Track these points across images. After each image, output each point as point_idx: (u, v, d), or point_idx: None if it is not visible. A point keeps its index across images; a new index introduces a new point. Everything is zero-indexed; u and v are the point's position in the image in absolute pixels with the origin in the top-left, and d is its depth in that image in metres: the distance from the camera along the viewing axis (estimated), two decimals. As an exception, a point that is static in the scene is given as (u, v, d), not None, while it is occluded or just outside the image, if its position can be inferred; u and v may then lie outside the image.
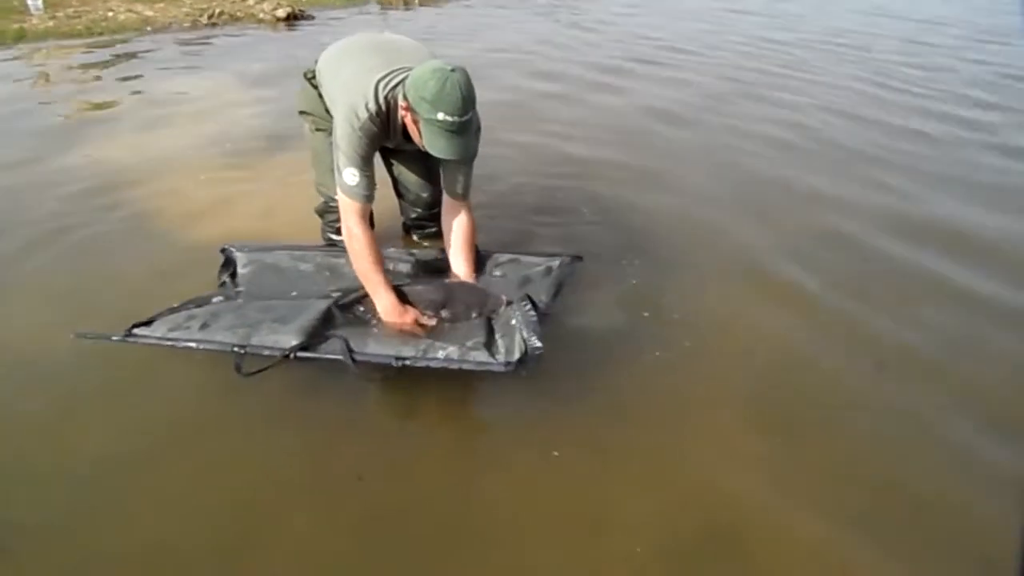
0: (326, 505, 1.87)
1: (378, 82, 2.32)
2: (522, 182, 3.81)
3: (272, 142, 4.22)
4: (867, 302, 2.76)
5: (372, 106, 2.30)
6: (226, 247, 2.75)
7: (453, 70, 2.16)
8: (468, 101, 2.17)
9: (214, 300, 2.45)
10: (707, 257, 3.10)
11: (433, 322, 2.35)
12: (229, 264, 2.71)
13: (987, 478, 1.95)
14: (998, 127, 4.84)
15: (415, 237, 3.07)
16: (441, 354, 2.16)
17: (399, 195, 3.00)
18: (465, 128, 2.21)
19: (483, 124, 2.40)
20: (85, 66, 6.15)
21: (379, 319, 2.36)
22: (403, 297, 2.39)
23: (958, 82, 5.97)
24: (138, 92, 5.29)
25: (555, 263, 2.72)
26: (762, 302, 2.78)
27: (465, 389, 2.33)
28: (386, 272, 2.40)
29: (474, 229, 2.61)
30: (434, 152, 2.27)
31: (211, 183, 3.70)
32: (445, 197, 2.61)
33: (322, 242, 2.96)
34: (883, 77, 6.08)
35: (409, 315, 2.33)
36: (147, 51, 6.59)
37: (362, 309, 2.43)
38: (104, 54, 6.53)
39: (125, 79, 5.69)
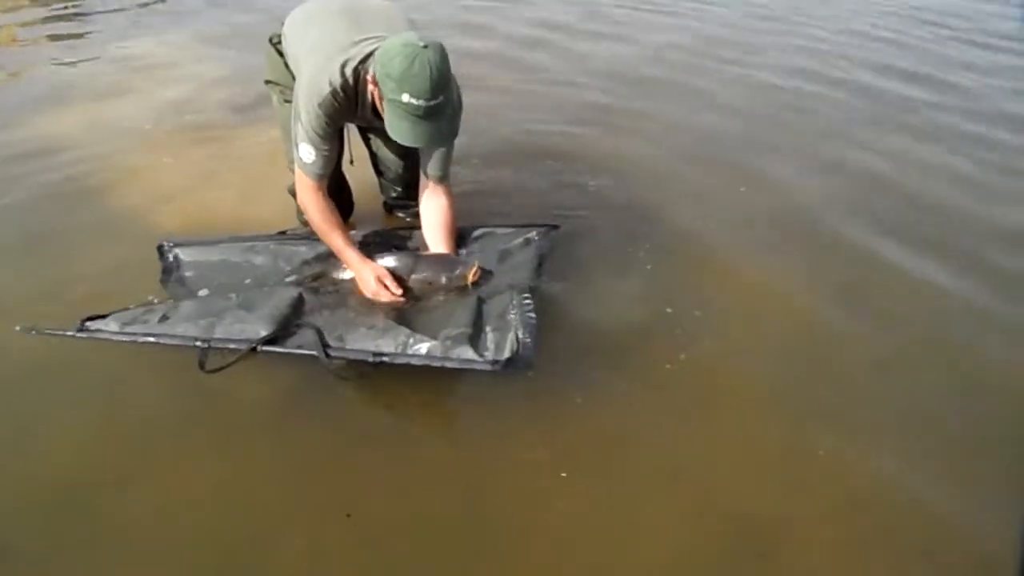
0: (317, 534, 1.71)
1: (345, 53, 2.12)
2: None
3: (240, 113, 3.94)
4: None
5: (336, 80, 2.11)
6: (163, 244, 2.50)
7: (425, 46, 1.94)
8: (439, 83, 1.96)
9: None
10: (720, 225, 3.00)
11: (399, 292, 2.26)
12: (169, 264, 2.47)
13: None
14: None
15: (401, 215, 2.87)
16: (423, 348, 2.02)
17: (378, 173, 2.81)
18: (433, 113, 2.01)
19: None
20: (29, 23, 5.75)
21: (354, 299, 2.25)
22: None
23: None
24: (94, 57, 4.93)
25: (532, 234, 2.59)
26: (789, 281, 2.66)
27: (459, 385, 2.17)
28: (348, 236, 2.35)
29: (454, 213, 2.45)
30: (395, 137, 2.08)
31: (176, 160, 3.42)
32: (422, 178, 2.43)
33: (296, 225, 2.73)
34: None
35: (377, 270, 2.28)
36: (100, 11, 6.17)
37: (333, 289, 2.32)
38: (53, 11, 6.08)
39: (76, 38, 5.33)
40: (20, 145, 3.52)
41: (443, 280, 2.30)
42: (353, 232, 2.46)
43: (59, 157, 3.39)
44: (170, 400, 2.04)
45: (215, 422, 1.99)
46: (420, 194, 2.45)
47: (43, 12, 6.06)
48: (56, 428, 1.95)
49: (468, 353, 1.99)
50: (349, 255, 2.30)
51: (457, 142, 2.36)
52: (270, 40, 2.47)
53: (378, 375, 2.06)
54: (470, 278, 2.29)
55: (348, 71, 2.11)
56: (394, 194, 2.83)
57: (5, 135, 3.65)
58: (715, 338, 2.34)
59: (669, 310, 2.45)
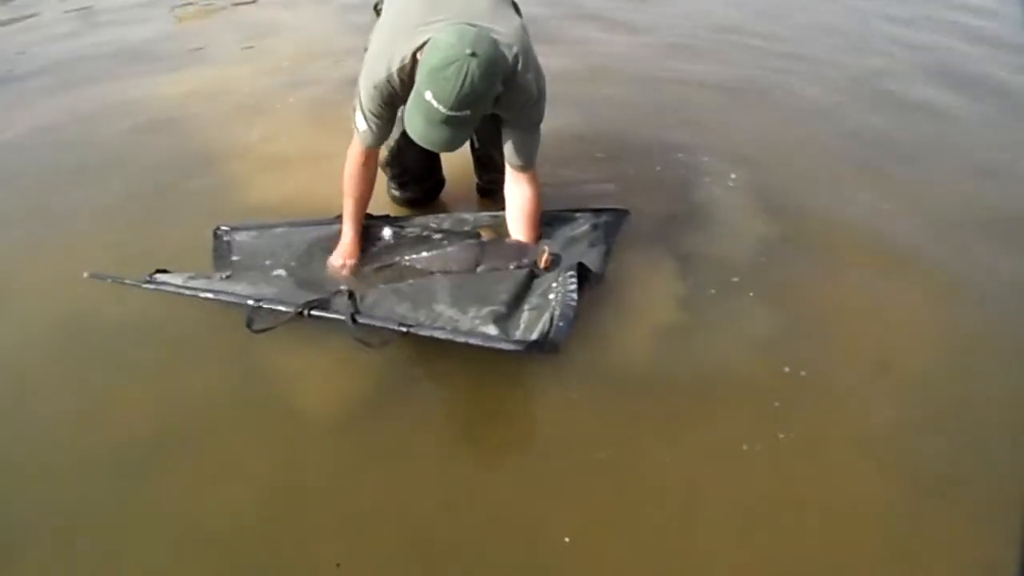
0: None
1: (408, 37, 2.03)
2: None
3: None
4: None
5: (395, 65, 2.04)
6: (219, 228, 2.51)
7: (473, 54, 1.81)
8: (468, 98, 1.84)
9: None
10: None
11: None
12: (222, 250, 2.48)
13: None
14: None
15: (489, 200, 2.75)
16: (453, 315, 1.99)
17: (472, 150, 2.69)
18: (452, 123, 1.90)
19: None
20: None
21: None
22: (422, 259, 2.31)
23: None
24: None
25: (600, 220, 2.48)
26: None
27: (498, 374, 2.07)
28: (362, 213, 2.38)
29: (538, 202, 2.34)
30: (408, 128, 1.99)
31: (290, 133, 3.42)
32: (507, 166, 2.33)
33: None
34: None
35: (350, 257, 2.32)
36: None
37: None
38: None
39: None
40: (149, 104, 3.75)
41: (511, 268, 2.23)
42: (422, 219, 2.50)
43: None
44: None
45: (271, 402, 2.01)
46: (506, 183, 2.36)
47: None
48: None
49: (493, 330, 1.92)
50: (345, 227, 2.34)
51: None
52: (374, 7, 2.42)
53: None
54: (541, 264, 2.21)
55: (409, 57, 2.02)
56: (486, 177, 2.73)
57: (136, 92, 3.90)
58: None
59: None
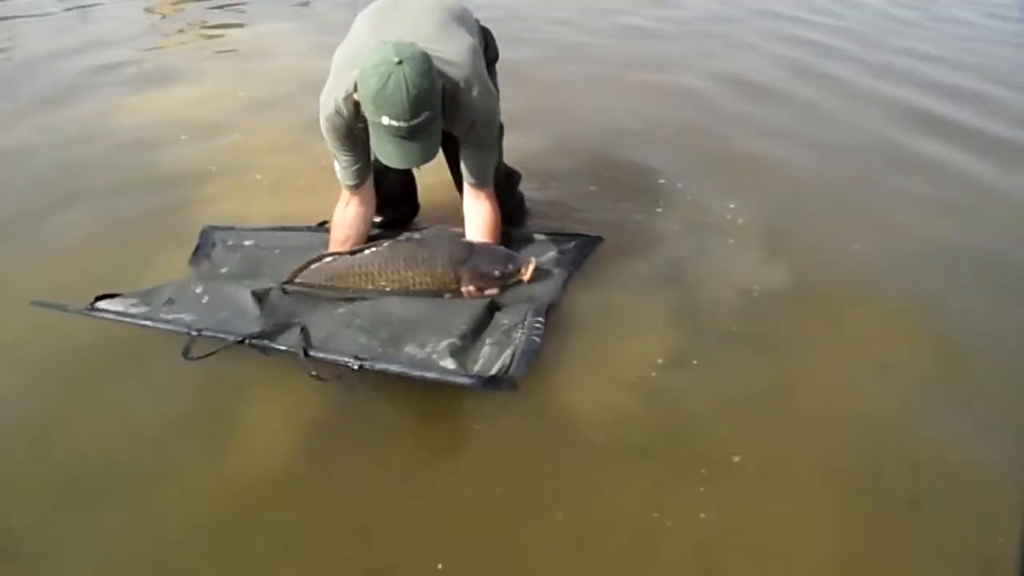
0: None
1: (355, 66, 1.95)
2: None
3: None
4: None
5: (340, 95, 2.02)
6: (207, 227, 2.53)
7: (400, 62, 1.79)
8: (418, 101, 1.82)
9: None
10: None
11: None
12: (205, 246, 2.47)
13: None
14: None
15: None
16: (409, 350, 1.90)
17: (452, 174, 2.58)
18: (418, 132, 1.88)
19: None
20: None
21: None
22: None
23: None
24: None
25: (572, 244, 2.41)
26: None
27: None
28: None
29: (496, 219, 2.28)
30: (384, 161, 1.99)
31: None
32: (464, 185, 2.27)
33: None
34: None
35: None
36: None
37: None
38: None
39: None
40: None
41: (496, 273, 2.17)
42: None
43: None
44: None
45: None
46: (464, 201, 2.31)
47: None
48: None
49: (451, 364, 1.84)
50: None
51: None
52: None
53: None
54: (527, 275, 2.17)
55: (350, 87, 1.98)
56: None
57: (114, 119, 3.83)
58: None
59: (695, 361, 2.07)
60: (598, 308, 2.23)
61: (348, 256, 2.22)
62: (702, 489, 1.69)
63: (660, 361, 2.05)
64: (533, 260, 2.20)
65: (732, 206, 2.82)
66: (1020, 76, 4.48)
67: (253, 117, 3.70)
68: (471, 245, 2.23)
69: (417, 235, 2.32)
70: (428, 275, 2.15)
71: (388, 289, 2.16)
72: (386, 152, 1.95)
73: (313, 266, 2.21)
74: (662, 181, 3.02)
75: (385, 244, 2.21)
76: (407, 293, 2.15)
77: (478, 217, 2.28)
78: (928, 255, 2.61)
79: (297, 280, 2.20)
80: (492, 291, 2.17)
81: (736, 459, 1.75)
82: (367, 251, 2.21)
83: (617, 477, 1.74)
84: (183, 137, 3.47)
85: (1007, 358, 2.13)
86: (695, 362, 2.05)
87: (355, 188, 2.25)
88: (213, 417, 1.91)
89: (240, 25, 5.42)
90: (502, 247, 2.25)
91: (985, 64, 4.69)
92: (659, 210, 2.81)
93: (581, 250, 2.39)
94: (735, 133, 3.55)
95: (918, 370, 2.07)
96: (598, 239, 2.46)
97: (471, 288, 2.15)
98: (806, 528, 1.62)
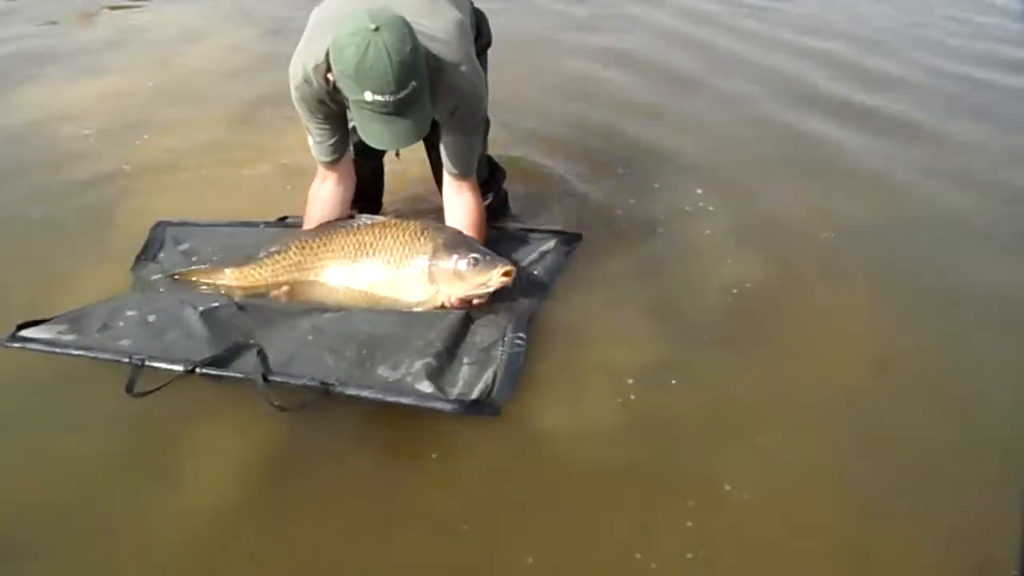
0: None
1: (327, 34, 1.82)
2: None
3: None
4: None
5: (310, 64, 1.86)
6: (161, 222, 2.37)
7: (377, 28, 1.62)
8: (402, 71, 1.65)
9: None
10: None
11: None
12: (154, 244, 2.30)
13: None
14: None
15: None
16: (381, 372, 1.75)
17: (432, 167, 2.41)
18: (405, 106, 1.71)
19: None
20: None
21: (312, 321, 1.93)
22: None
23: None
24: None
25: (551, 243, 2.28)
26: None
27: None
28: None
29: (480, 212, 2.13)
30: (371, 143, 1.84)
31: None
32: (445, 174, 2.11)
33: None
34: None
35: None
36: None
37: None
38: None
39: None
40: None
41: (468, 270, 1.92)
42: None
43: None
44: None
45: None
46: (444, 192, 2.16)
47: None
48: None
49: (428, 388, 1.71)
50: None
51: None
52: None
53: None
54: (495, 281, 1.91)
55: (319, 55, 1.83)
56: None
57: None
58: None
59: (677, 375, 1.93)
60: (573, 317, 2.10)
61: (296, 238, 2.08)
62: (689, 524, 1.56)
63: (640, 376, 1.91)
64: (510, 265, 1.94)
65: (699, 191, 2.75)
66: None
67: (168, 111, 3.41)
68: (443, 234, 2.01)
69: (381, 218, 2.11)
70: (386, 266, 1.98)
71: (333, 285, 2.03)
72: (373, 133, 1.79)
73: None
74: (623, 170, 2.92)
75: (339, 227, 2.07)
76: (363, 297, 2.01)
77: (460, 211, 2.11)
78: (910, 235, 2.58)
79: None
80: (463, 298, 1.96)
81: (727, 487, 1.63)
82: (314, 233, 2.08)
83: (595, 511, 1.60)
84: (85, 132, 3.18)
85: (1008, 357, 2.07)
86: (677, 376, 1.92)
87: (331, 164, 2.09)
88: (155, 456, 1.73)
89: (146, 7, 4.94)
90: (479, 248, 1.99)
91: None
92: (632, 201, 2.69)
93: (561, 250, 2.26)
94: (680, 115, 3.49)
95: (914, 368, 2.01)
96: (577, 236, 2.35)
97: (441, 291, 1.96)
98: (803, 552, 1.54)
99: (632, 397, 1.85)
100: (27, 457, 1.73)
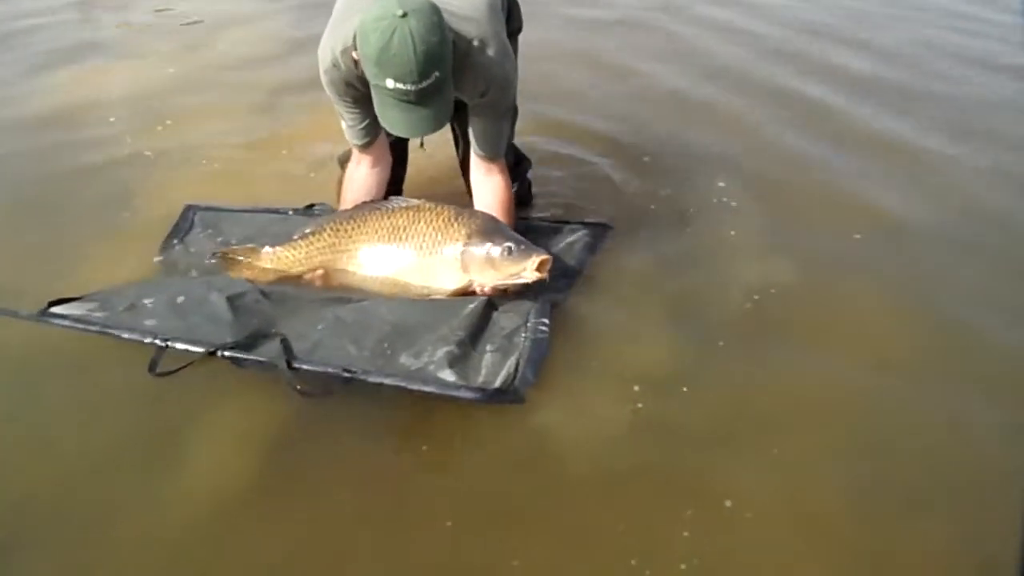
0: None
1: (353, 16, 1.82)
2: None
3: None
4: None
5: (339, 47, 1.86)
6: (190, 206, 2.40)
7: (404, 15, 1.59)
8: (428, 60, 1.63)
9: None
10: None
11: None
12: (184, 227, 2.34)
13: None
14: None
15: None
16: (403, 360, 1.75)
17: (457, 152, 2.40)
18: (427, 95, 1.69)
19: None
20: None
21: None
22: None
23: None
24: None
25: (579, 234, 2.27)
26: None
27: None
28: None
29: (510, 195, 2.12)
30: (388, 128, 1.84)
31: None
32: (472, 156, 2.10)
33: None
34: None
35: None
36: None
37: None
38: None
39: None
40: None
41: (501, 259, 1.89)
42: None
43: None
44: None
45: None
46: (471, 172, 2.15)
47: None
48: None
49: (450, 377, 1.71)
50: None
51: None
52: None
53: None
54: (529, 272, 1.87)
55: (348, 38, 1.82)
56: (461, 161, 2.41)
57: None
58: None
59: (690, 380, 1.88)
60: (586, 314, 2.05)
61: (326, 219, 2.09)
62: (686, 534, 1.51)
63: (650, 380, 1.86)
64: (548, 256, 1.90)
65: (725, 186, 2.71)
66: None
67: (191, 98, 3.43)
68: (477, 220, 1.98)
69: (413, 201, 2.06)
70: (418, 251, 1.97)
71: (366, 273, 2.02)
72: (391, 119, 1.78)
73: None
74: (647, 159, 2.89)
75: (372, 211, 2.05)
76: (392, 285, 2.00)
77: (489, 194, 2.10)
78: (934, 241, 2.48)
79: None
80: (495, 285, 1.93)
81: (728, 504, 1.57)
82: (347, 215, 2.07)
83: (593, 515, 1.57)
84: (112, 119, 3.21)
85: (1007, 356, 2.02)
86: (688, 382, 1.87)
87: (365, 147, 2.09)
88: (159, 443, 1.72)
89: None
90: (516, 238, 1.95)
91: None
92: (660, 193, 2.66)
93: (590, 241, 2.25)
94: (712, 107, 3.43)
95: (925, 368, 1.97)
96: (607, 227, 2.33)
97: (474, 278, 1.93)
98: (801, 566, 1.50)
99: (640, 403, 1.80)
100: (34, 442, 1.74)
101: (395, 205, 2.04)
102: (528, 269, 1.87)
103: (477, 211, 2.06)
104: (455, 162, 2.40)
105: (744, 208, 2.61)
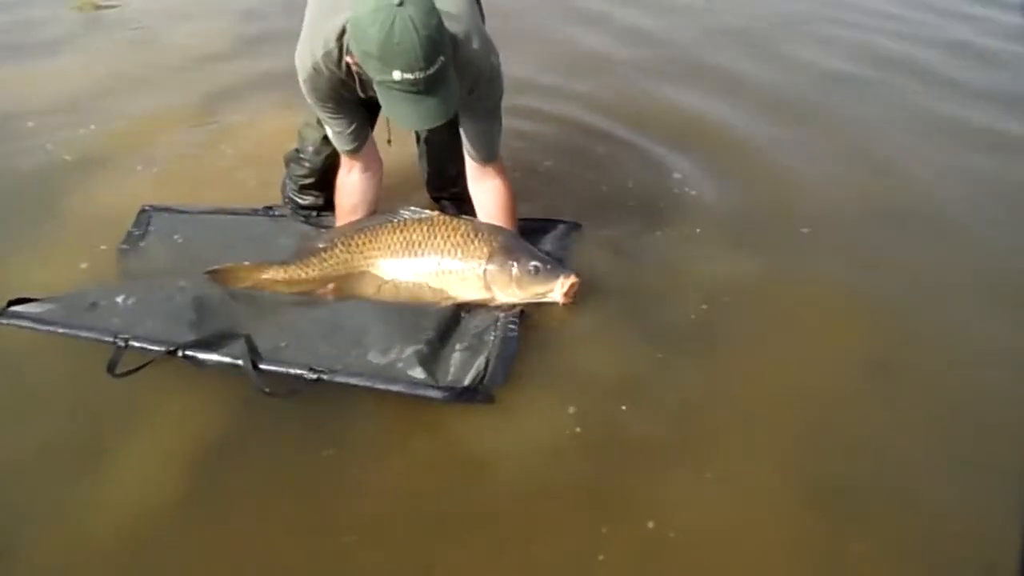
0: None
1: (332, 17, 1.78)
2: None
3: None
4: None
5: (319, 52, 1.80)
6: (145, 207, 2.34)
7: (401, 3, 1.55)
8: (431, 46, 1.59)
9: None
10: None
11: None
12: (139, 230, 2.27)
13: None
14: None
15: (445, 201, 2.41)
16: (372, 358, 1.70)
17: (424, 163, 2.39)
18: (436, 83, 1.64)
19: None
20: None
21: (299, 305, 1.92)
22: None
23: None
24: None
25: (550, 233, 2.25)
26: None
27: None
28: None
29: (511, 196, 2.09)
30: (400, 124, 1.79)
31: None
32: (468, 161, 2.06)
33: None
34: None
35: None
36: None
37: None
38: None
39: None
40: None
41: (527, 278, 1.88)
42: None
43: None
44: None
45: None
46: (470, 181, 2.10)
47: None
48: None
49: (420, 374, 1.67)
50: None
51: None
52: None
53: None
54: (557, 294, 1.88)
55: (330, 42, 1.78)
56: (426, 177, 2.43)
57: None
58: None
59: (652, 386, 1.79)
60: (551, 317, 1.95)
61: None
62: (601, 557, 1.42)
63: (596, 389, 1.77)
64: (573, 275, 1.88)
65: (696, 180, 2.66)
66: None
67: (119, 99, 3.31)
68: (499, 236, 1.96)
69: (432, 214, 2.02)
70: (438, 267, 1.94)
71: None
72: (401, 113, 1.71)
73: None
74: (609, 151, 2.86)
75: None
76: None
77: (489, 198, 2.06)
78: (900, 233, 2.44)
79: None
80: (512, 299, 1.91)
81: (650, 524, 1.47)
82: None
83: (513, 529, 1.48)
84: (30, 124, 3.08)
85: (1005, 355, 1.96)
86: (635, 392, 1.77)
87: (354, 152, 2.04)
88: (92, 448, 1.65)
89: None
90: (538, 252, 1.95)
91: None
92: (628, 185, 2.62)
93: (561, 240, 2.22)
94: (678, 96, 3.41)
95: (909, 370, 1.90)
96: (576, 226, 2.29)
97: (497, 297, 1.91)
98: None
99: (582, 414, 1.70)
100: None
101: (406, 217, 2.00)
102: (555, 291, 1.87)
103: (495, 226, 2.03)
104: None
105: (712, 205, 2.57)
